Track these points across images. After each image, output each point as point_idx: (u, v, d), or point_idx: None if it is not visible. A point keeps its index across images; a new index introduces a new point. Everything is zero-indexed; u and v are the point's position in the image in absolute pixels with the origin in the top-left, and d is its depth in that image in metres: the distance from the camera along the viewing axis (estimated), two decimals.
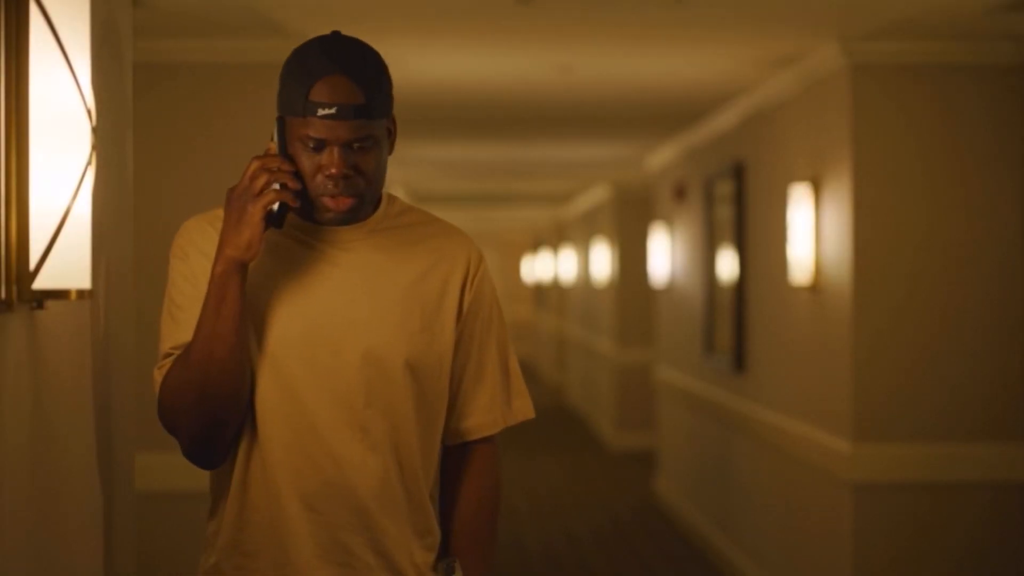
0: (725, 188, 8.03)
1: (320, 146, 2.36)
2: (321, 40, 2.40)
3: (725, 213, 8.05)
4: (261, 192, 2.34)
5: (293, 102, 2.36)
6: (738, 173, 7.67)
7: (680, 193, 9.55)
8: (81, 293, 2.26)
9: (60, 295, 2.21)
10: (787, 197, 6.52)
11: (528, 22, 5.44)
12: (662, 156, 10.18)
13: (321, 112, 2.34)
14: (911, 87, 5.72)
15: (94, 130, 2.29)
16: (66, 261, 2.20)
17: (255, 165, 2.36)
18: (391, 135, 2.46)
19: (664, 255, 10.21)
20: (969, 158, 5.71)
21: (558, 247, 20.78)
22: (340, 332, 2.44)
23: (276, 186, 2.35)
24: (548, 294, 22.46)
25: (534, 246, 25.13)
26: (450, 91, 7.36)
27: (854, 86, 5.70)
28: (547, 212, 19.96)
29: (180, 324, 2.44)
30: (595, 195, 14.82)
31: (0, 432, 2.07)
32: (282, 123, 2.39)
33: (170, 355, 2.44)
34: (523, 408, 2.63)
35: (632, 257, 13.25)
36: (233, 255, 2.34)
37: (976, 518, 5.70)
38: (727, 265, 8.00)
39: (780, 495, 6.83)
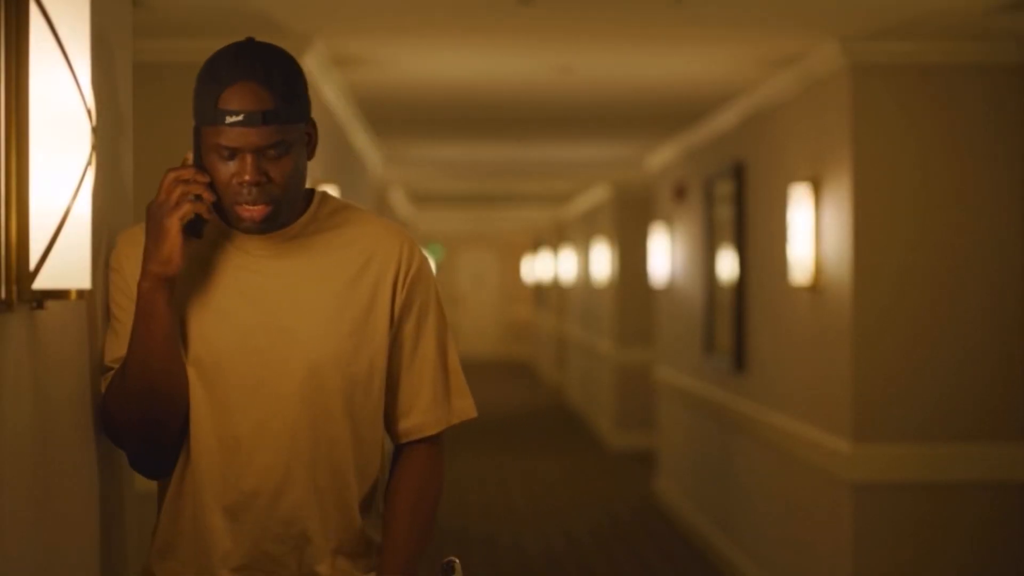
0: (725, 188, 8.03)
1: (232, 154, 2.35)
2: (232, 47, 2.38)
3: (725, 213, 8.05)
4: (176, 205, 2.34)
5: (204, 110, 2.35)
6: (738, 173, 7.67)
7: (680, 193, 9.55)
8: (81, 293, 2.26)
9: (60, 295, 2.21)
10: (787, 197, 6.52)
11: (528, 22, 5.44)
12: (662, 156, 10.18)
13: (229, 119, 2.33)
14: (911, 87, 5.72)
15: (94, 130, 2.28)
16: (66, 261, 2.20)
17: (170, 177, 2.36)
18: (311, 140, 2.44)
19: (664, 255, 10.21)
20: (969, 158, 5.71)
21: (558, 247, 20.78)
22: (268, 341, 2.43)
23: (191, 197, 2.35)
24: (548, 294, 22.46)
25: (534, 246, 25.13)
26: (451, 91, 7.36)
27: (854, 86, 5.70)
28: (547, 212, 19.96)
29: (119, 337, 2.46)
30: (595, 195, 14.82)
31: (0, 432, 2.07)
32: (197, 133, 2.38)
33: (110, 368, 2.47)
34: (464, 408, 2.59)
35: (632, 257, 13.25)
36: (156, 270, 2.35)
37: (976, 518, 5.70)
38: (727, 265, 8.00)
39: (780, 495, 6.83)
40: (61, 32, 2.18)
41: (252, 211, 2.37)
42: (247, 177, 2.34)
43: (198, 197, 2.35)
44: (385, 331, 2.50)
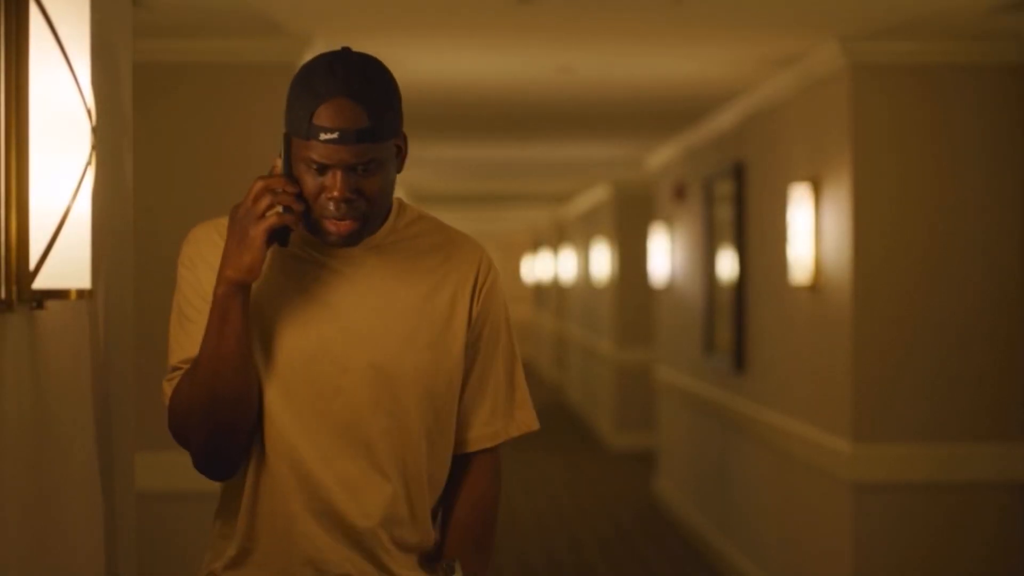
0: (725, 188, 8.03)
1: (323, 168, 2.33)
2: (329, 58, 2.35)
3: (725, 213, 8.05)
4: (264, 214, 2.32)
5: (298, 123, 2.33)
6: (738, 173, 7.67)
7: (680, 193, 9.55)
8: (81, 293, 2.26)
9: (60, 295, 2.21)
10: (787, 197, 6.52)
11: (528, 22, 5.44)
12: (662, 156, 10.18)
13: (324, 136, 2.30)
14: (911, 87, 5.71)
15: (94, 130, 2.28)
16: (66, 261, 2.20)
17: (259, 186, 2.33)
18: (401, 153, 2.43)
19: (664, 255, 10.21)
20: (969, 158, 5.71)
21: (558, 247, 20.78)
22: (347, 349, 2.43)
23: (279, 209, 2.33)
24: (548, 294, 22.46)
25: (534, 246, 25.13)
26: (450, 91, 7.36)
27: (854, 86, 5.70)
28: (547, 212, 19.96)
29: (190, 336, 2.44)
30: (595, 195, 14.82)
31: (0, 432, 2.07)
32: (288, 141, 2.37)
33: (179, 368, 2.44)
34: (527, 420, 2.60)
35: (632, 257, 13.25)
36: (234, 277, 2.33)
37: (977, 518, 5.70)
38: (727, 265, 8.00)
39: (780, 495, 6.83)
40: (61, 32, 2.18)
41: (340, 226, 2.36)
42: (336, 193, 2.33)
43: (287, 208, 2.34)
44: (462, 343, 2.50)
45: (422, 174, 12.96)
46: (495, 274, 2.56)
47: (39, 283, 2.15)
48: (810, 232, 6.18)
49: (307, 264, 2.45)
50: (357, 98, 2.31)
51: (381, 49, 6.12)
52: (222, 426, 2.38)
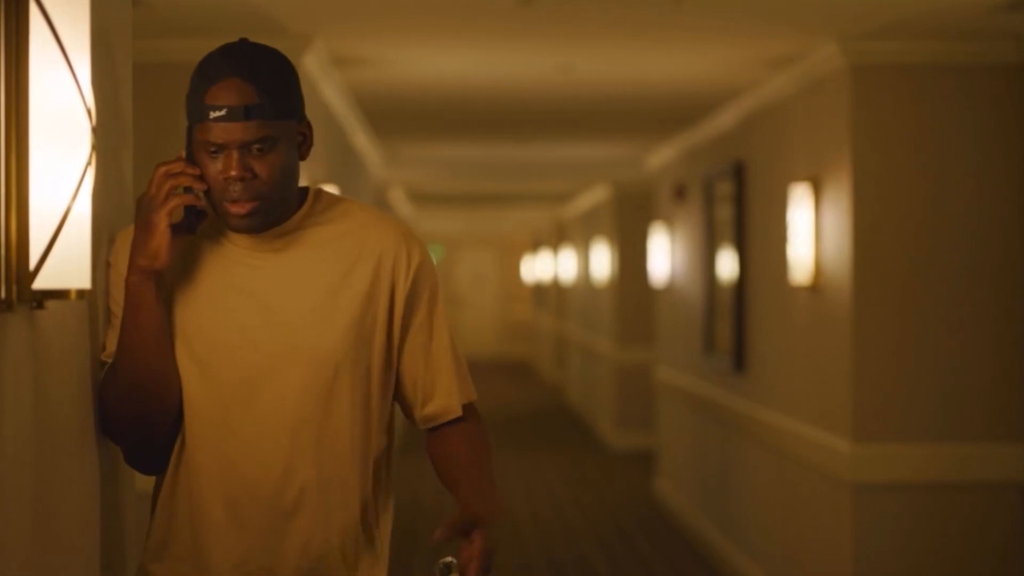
0: (725, 188, 8.03)
1: (219, 150, 2.36)
2: (223, 46, 2.41)
3: (725, 213, 8.05)
4: (166, 199, 2.36)
5: (193, 108, 2.38)
6: (738, 173, 7.67)
7: (680, 193, 9.55)
8: (81, 293, 2.26)
9: (60, 295, 2.21)
10: (787, 197, 6.52)
11: (528, 22, 5.44)
12: (662, 156, 10.18)
13: (213, 114, 2.34)
14: (911, 87, 5.72)
15: (94, 130, 2.28)
16: (66, 261, 2.20)
17: (160, 172, 2.37)
18: (306, 140, 2.45)
19: (664, 255, 10.21)
20: (968, 157, 5.71)
21: (558, 247, 20.78)
22: (270, 335, 2.44)
23: (180, 190, 2.36)
24: (548, 294, 22.46)
25: (534, 246, 25.13)
26: (450, 91, 7.36)
27: (854, 86, 5.70)
28: (547, 212, 19.96)
29: (116, 331, 2.47)
30: (595, 195, 14.82)
31: (0, 431, 2.07)
32: (189, 131, 2.40)
33: (106, 363, 2.48)
34: (470, 390, 2.61)
35: (632, 257, 13.25)
36: (143, 264, 2.36)
37: (976, 518, 5.70)
38: (727, 265, 8.00)
39: (780, 495, 6.83)
40: (61, 32, 2.18)
41: (239, 207, 2.38)
42: (233, 172, 2.35)
43: (188, 189, 2.37)
44: (384, 322, 2.50)
45: (422, 174, 12.96)
46: (422, 252, 2.54)
47: (39, 283, 2.15)
48: (810, 232, 6.18)
49: (224, 253, 2.47)
50: (245, 77, 2.35)
51: (381, 49, 6.12)
52: (145, 415, 2.42)
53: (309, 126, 2.46)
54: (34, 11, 2.12)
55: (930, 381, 5.71)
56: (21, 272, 2.11)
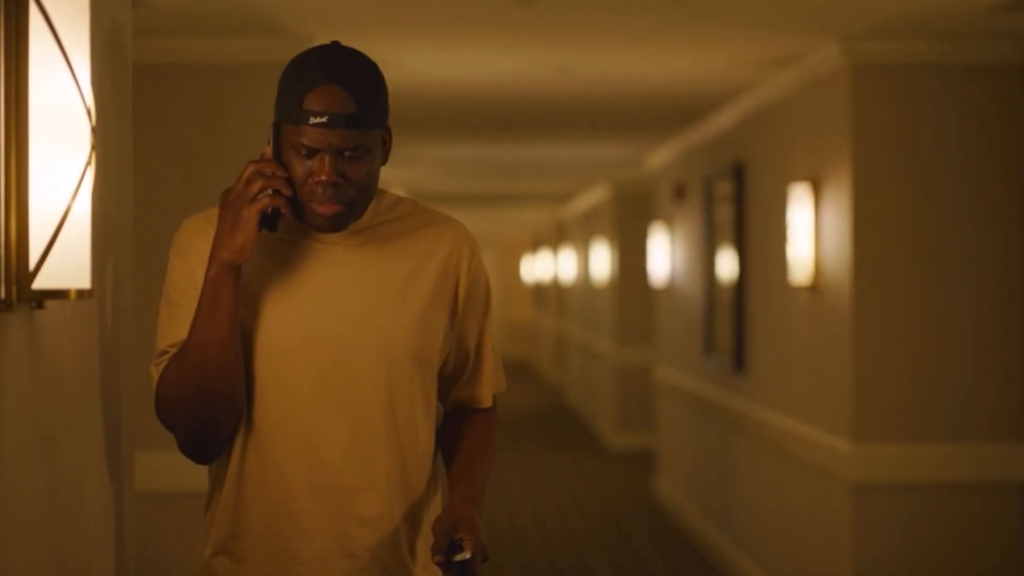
0: (725, 188, 8.03)
1: (312, 153, 2.40)
2: (318, 49, 2.44)
3: (725, 213, 8.05)
4: (256, 197, 2.39)
5: (288, 110, 2.40)
6: (738, 173, 7.67)
7: (680, 193, 9.55)
8: (81, 293, 2.26)
9: (60, 295, 2.21)
10: (787, 197, 6.52)
11: (528, 22, 5.44)
12: (662, 156, 10.18)
13: (313, 120, 2.38)
14: (911, 87, 5.71)
15: (94, 130, 2.29)
16: (66, 261, 2.20)
17: (251, 169, 2.40)
18: (386, 145, 2.49)
19: (664, 255, 10.21)
20: (969, 158, 5.71)
21: (558, 247, 20.78)
22: (341, 326, 2.49)
23: (270, 191, 2.39)
24: (548, 294, 22.46)
25: (534, 246, 25.13)
26: (450, 91, 7.36)
27: (854, 86, 5.70)
28: (547, 212, 19.96)
29: (178, 322, 2.48)
30: (595, 195, 14.82)
31: (0, 431, 2.07)
32: (277, 129, 2.43)
33: (167, 352, 2.48)
34: (502, 381, 2.75)
35: (632, 257, 13.25)
36: (227, 258, 2.39)
37: (976, 518, 5.70)
38: (727, 265, 8.00)
39: (780, 495, 6.83)
40: (61, 32, 2.18)
41: (326, 208, 2.41)
42: (324, 177, 2.39)
43: (277, 192, 2.40)
44: (446, 319, 2.58)
45: (422, 174, 12.95)
46: (478, 252, 2.65)
47: (39, 283, 2.15)
48: (810, 232, 6.18)
49: (295, 248, 2.51)
50: (346, 85, 2.39)
51: (381, 50, 6.12)
52: (210, 409, 2.43)
53: (390, 131, 2.51)
54: (34, 11, 2.12)
55: (930, 381, 5.71)
56: (21, 272, 2.11)
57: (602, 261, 14.50)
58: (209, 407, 2.42)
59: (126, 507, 2.73)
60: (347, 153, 2.40)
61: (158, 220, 5.29)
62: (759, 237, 7.28)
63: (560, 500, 10.54)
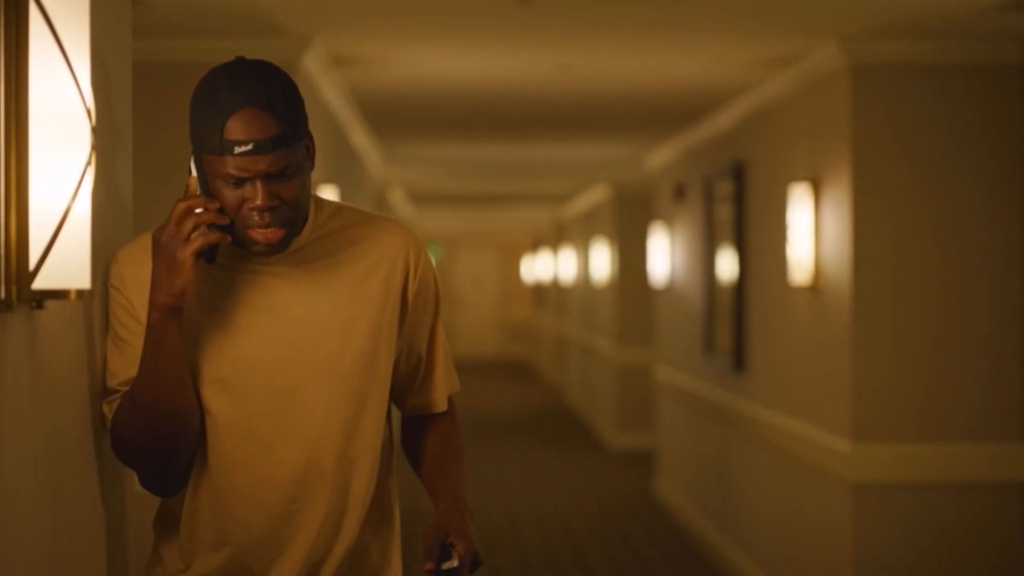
0: (725, 188, 8.03)
1: (241, 181, 2.32)
2: (227, 70, 2.33)
3: (725, 213, 8.05)
4: (189, 237, 2.31)
5: (208, 140, 2.31)
6: (738, 173, 7.67)
7: (680, 193, 9.55)
8: (81, 293, 2.26)
9: (60, 295, 2.21)
10: (787, 197, 6.52)
11: (528, 22, 5.44)
12: (662, 156, 10.18)
13: (239, 150, 2.29)
14: (911, 87, 5.72)
15: (94, 130, 2.28)
16: (66, 261, 2.20)
17: (180, 208, 2.32)
18: (310, 152, 2.43)
19: (664, 255, 10.21)
20: (968, 158, 5.71)
21: (558, 247, 20.78)
22: (287, 353, 2.44)
23: (204, 228, 2.32)
24: (547, 294, 22.46)
25: (534, 246, 25.13)
26: (450, 91, 7.36)
27: (853, 86, 5.70)
28: (547, 212, 19.96)
29: (124, 358, 2.45)
30: (595, 195, 14.82)
31: (0, 431, 2.07)
32: (200, 159, 2.34)
33: (116, 391, 2.46)
34: (455, 381, 2.71)
35: (632, 257, 13.25)
36: (166, 302, 2.33)
37: (976, 518, 5.70)
38: (727, 265, 8.00)
39: (780, 495, 6.83)
40: (61, 32, 2.18)
41: (266, 235, 2.35)
42: (259, 202, 2.32)
43: (213, 225, 2.32)
44: (396, 325, 2.54)
45: (422, 174, 12.96)
46: (425, 253, 2.59)
47: (39, 283, 2.15)
48: (810, 232, 6.18)
49: (237, 273, 2.45)
50: (264, 106, 2.30)
51: (381, 49, 6.12)
52: (166, 446, 2.41)
53: (311, 136, 2.44)
54: (34, 11, 2.12)
55: (930, 381, 5.71)
56: (21, 272, 2.11)
57: (602, 261, 14.50)
58: (165, 444, 2.40)
59: (126, 507, 2.73)
60: (278, 175, 2.32)
61: (158, 220, 5.28)
62: (759, 237, 7.28)
63: (560, 500, 10.54)
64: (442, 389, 2.66)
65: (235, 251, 2.44)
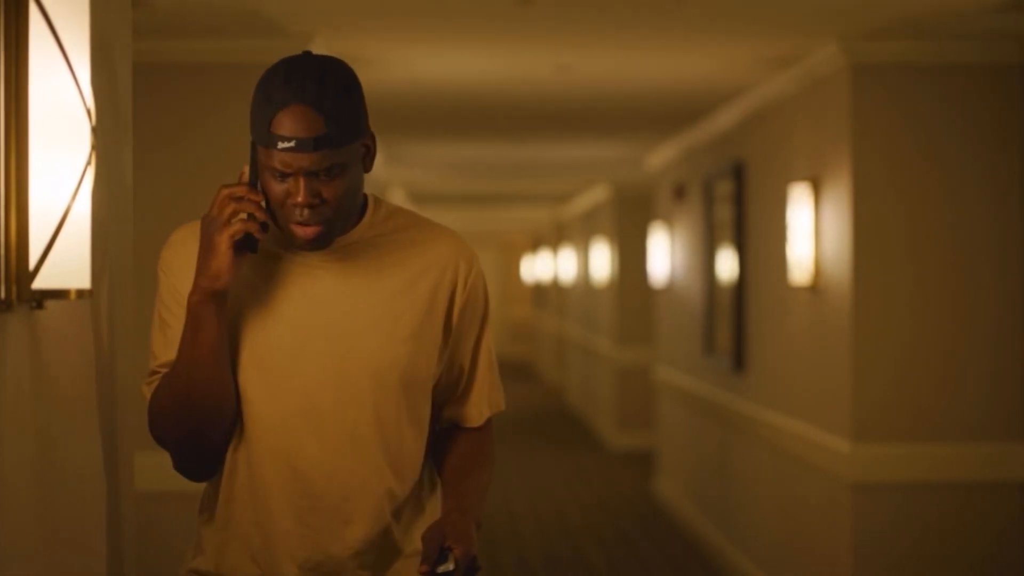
0: (725, 188, 8.03)
1: (285, 175, 2.35)
2: (287, 64, 2.36)
3: (725, 213, 8.05)
4: (227, 222, 2.34)
5: (258, 132, 2.34)
6: (738, 173, 7.67)
7: (680, 193, 9.55)
8: (81, 293, 2.26)
9: (60, 295, 2.21)
10: (787, 197, 6.52)
11: (527, 22, 5.44)
12: (662, 156, 10.18)
13: (282, 145, 2.31)
14: (911, 87, 5.71)
15: (94, 130, 2.29)
16: (66, 261, 2.20)
17: (223, 194, 2.36)
18: (369, 152, 2.43)
19: (664, 255, 10.21)
20: (968, 158, 5.71)
21: (557, 247, 20.78)
22: (332, 343, 2.45)
23: (243, 216, 2.34)
24: (547, 294, 22.46)
25: (534, 246, 25.13)
26: (450, 91, 7.36)
27: (853, 86, 5.70)
28: (547, 212, 19.95)
29: (168, 341, 2.47)
30: (595, 195, 14.82)
31: (0, 431, 2.07)
32: (254, 148, 2.38)
33: (157, 372, 2.47)
34: (499, 401, 2.68)
35: (632, 257, 13.25)
36: (204, 285, 2.36)
37: (976, 518, 5.70)
38: (727, 265, 8.00)
39: (780, 495, 6.83)
40: (61, 32, 2.18)
41: (305, 231, 2.38)
42: (299, 199, 2.34)
43: (251, 216, 2.35)
44: (440, 335, 2.53)
45: (422, 174, 12.95)
46: (477, 266, 2.58)
47: (39, 283, 2.15)
48: (810, 232, 6.18)
49: (288, 264, 2.47)
50: (313, 104, 2.31)
51: (380, 49, 6.12)
52: (199, 430, 2.42)
53: (373, 137, 2.44)
54: (34, 12, 2.12)
55: (930, 381, 5.71)
56: (21, 272, 2.11)
57: (602, 261, 14.49)
58: (199, 428, 2.41)
59: (126, 507, 2.73)
60: (322, 173, 2.34)
61: (158, 220, 5.29)
62: (759, 237, 7.28)
63: (560, 500, 10.54)
64: (479, 405, 2.64)
65: (288, 242, 2.46)
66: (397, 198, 14.76)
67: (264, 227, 2.37)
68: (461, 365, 2.60)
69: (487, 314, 2.61)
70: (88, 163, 2.26)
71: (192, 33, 5.43)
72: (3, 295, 2.08)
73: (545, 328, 23.00)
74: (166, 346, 2.46)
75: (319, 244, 2.41)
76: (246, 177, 2.40)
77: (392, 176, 12.69)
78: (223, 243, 2.34)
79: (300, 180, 2.34)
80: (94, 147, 2.28)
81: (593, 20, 5.49)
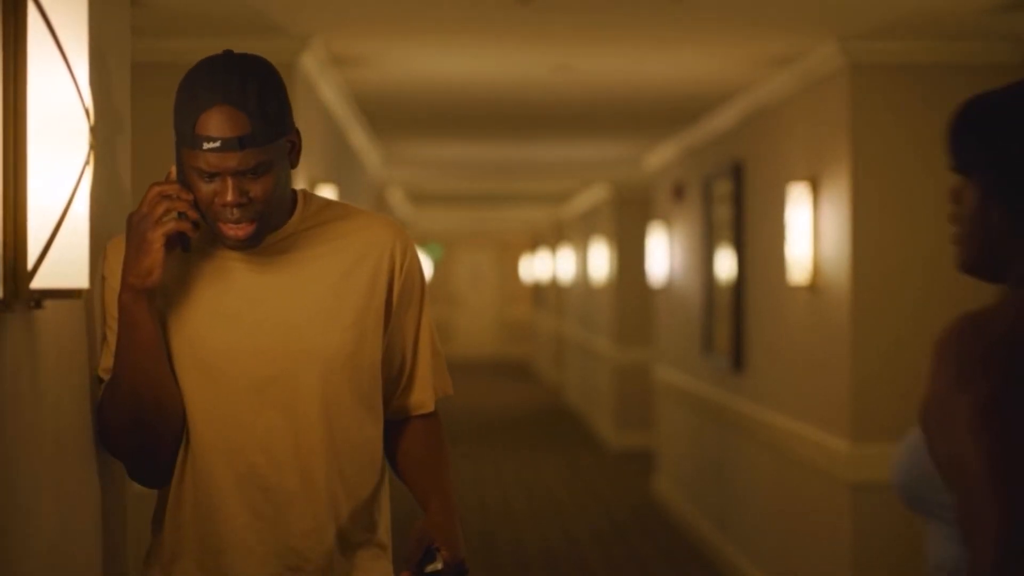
0: (724, 188, 8.03)
1: (212, 176, 2.35)
2: (209, 64, 2.36)
3: (724, 213, 8.05)
4: (160, 220, 2.35)
5: (183, 133, 2.35)
6: (737, 173, 7.67)
7: (679, 193, 9.55)
8: (80, 292, 2.25)
9: (58, 294, 2.20)
10: (786, 197, 6.52)
11: (527, 22, 5.44)
12: (661, 156, 10.18)
13: (207, 145, 2.32)
14: (910, 87, 5.72)
15: (92, 130, 2.28)
16: (64, 260, 2.20)
17: (154, 192, 2.36)
18: (294, 147, 2.43)
19: (663, 255, 10.21)
20: None
21: (557, 247, 20.78)
22: (273, 338, 2.45)
23: (175, 214, 2.35)
24: (547, 294, 22.46)
25: (533, 246, 25.13)
26: (449, 90, 7.36)
27: (853, 86, 5.70)
28: (546, 212, 19.96)
29: (110, 348, 2.47)
30: (594, 195, 14.82)
31: None
32: (179, 151, 2.38)
33: (103, 380, 2.48)
34: (447, 385, 2.67)
35: (631, 257, 13.25)
36: (135, 283, 2.36)
37: None
38: (726, 265, 8.00)
39: (779, 495, 6.83)
40: (59, 32, 2.18)
41: (235, 230, 2.38)
42: (228, 199, 2.34)
43: (182, 215, 2.36)
44: (382, 319, 2.53)
45: (421, 174, 12.96)
46: (412, 248, 2.58)
47: (37, 282, 2.14)
48: (808, 232, 6.18)
49: (221, 261, 2.47)
50: (237, 103, 2.32)
51: (380, 49, 6.12)
52: (145, 431, 2.42)
53: (297, 133, 2.44)
54: (32, 11, 2.12)
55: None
56: (19, 271, 2.11)
57: (601, 261, 14.50)
58: (146, 429, 2.41)
59: (126, 507, 2.73)
60: (248, 172, 2.34)
61: None
62: (758, 237, 7.28)
63: (559, 500, 10.54)
64: (425, 390, 2.62)
65: (218, 239, 2.45)
66: (396, 198, 14.76)
67: (196, 225, 2.37)
68: (403, 352, 2.58)
69: (424, 297, 2.60)
70: (86, 163, 2.26)
71: (192, 33, 5.43)
72: (1, 295, 2.07)
73: (544, 328, 23.00)
74: (108, 353, 2.47)
75: (250, 243, 2.40)
76: (174, 176, 2.40)
77: (391, 176, 12.69)
78: (156, 240, 2.34)
79: (228, 180, 2.34)
80: (92, 147, 2.28)
81: (592, 20, 5.49)
